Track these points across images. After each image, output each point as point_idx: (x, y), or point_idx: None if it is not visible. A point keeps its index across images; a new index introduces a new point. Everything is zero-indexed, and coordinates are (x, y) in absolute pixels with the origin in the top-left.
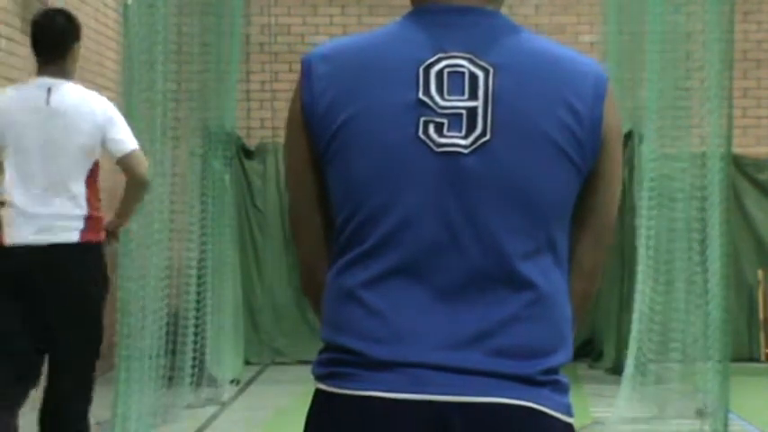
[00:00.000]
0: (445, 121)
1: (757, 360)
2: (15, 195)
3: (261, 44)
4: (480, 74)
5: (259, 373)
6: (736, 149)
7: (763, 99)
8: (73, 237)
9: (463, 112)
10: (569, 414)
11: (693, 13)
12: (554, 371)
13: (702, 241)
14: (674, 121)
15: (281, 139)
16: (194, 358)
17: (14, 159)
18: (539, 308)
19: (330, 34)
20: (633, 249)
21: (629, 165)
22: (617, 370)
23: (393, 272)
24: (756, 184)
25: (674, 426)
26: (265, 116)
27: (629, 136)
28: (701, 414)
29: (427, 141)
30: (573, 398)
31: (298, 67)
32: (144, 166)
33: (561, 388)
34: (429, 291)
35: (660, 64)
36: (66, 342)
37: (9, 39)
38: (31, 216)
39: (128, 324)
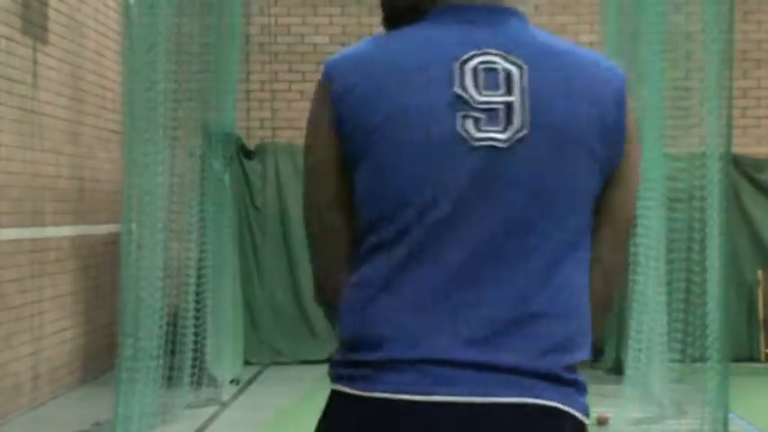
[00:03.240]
0: (482, 116)
1: (757, 360)
2: None
3: (261, 44)
4: (514, 70)
5: (259, 373)
6: (736, 149)
7: (763, 99)
8: None
9: (500, 107)
10: (587, 415)
11: (693, 13)
12: (575, 369)
13: (702, 241)
14: (673, 121)
15: (281, 140)
16: (194, 358)
17: None
18: (561, 303)
19: (330, 34)
20: (633, 249)
21: None
22: (617, 370)
23: (422, 264)
24: (756, 184)
25: (675, 426)
26: (265, 116)
27: None
28: None
29: (465, 135)
30: None
31: (298, 67)
32: None
33: (582, 388)
34: (451, 282)
35: (660, 64)
36: None
37: (9, 39)
38: None
39: (128, 324)
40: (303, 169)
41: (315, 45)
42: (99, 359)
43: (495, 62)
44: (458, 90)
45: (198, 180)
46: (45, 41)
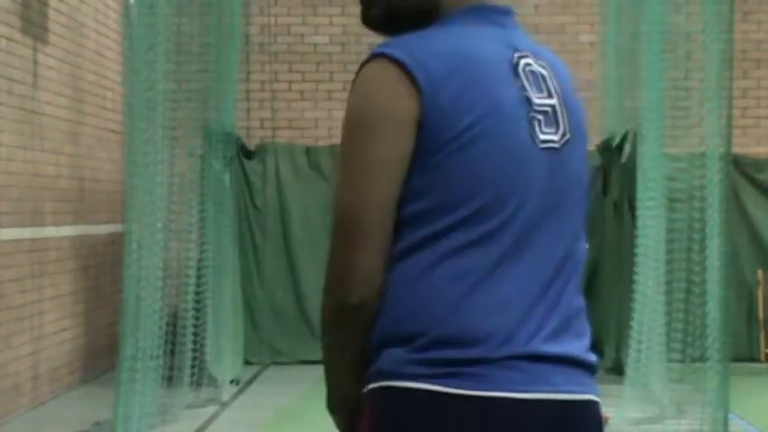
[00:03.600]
0: (541, 117)
1: (757, 360)
2: None
3: (261, 44)
4: (545, 72)
5: (259, 373)
6: (736, 149)
7: (762, 99)
8: None
9: (548, 109)
10: None
11: (693, 13)
12: None
13: (702, 241)
14: (673, 121)
15: (281, 140)
16: (194, 358)
17: None
18: (583, 301)
19: (330, 34)
20: (633, 249)
21: (630, 165)
22: (617, 370)
23: (504, 261)
24: (756, 184)
25: (675, 426)
26: (265, 116)
27: (627, 136)
28: None
29: (535, 136)
30: None
31: (298, 67)
32: None
33: None
34: (531, 281)
35: (660, 64)
36: None
37: (9, 39)
38: None
39: (128, 324)
40: (354, 164)
41: (315, 45)
42: (99, 359)
43: (532, 64)
44: (524, 92)
45: (198, 180)
46: (45, 41)
